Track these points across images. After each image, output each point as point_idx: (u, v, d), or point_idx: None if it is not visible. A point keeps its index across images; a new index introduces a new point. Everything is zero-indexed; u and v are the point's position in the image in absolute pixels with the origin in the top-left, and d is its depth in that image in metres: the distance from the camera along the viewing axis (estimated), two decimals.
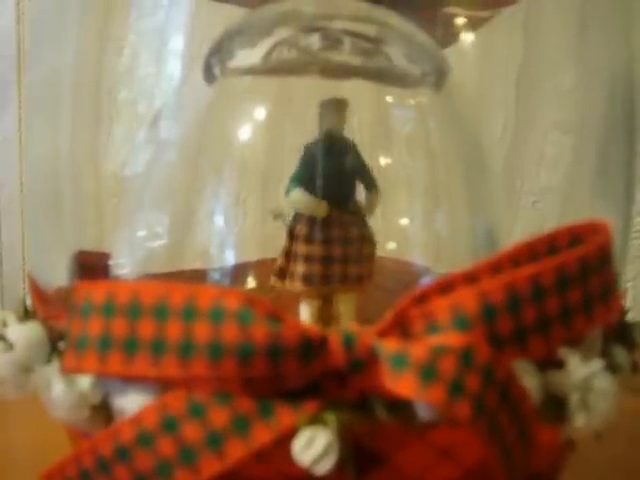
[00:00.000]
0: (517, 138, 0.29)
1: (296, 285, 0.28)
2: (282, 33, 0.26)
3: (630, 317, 0.23)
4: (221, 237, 0.31)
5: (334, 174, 0.28)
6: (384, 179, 0.29)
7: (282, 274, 0.29)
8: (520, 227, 0.30)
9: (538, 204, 0.30)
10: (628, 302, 0.25)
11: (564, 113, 0.29)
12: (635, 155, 0.27)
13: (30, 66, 0.44)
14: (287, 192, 0.28)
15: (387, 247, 0.31)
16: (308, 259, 0.28)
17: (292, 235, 0.28)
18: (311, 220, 0.28)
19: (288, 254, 0.28)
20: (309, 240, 0.28)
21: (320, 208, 0.28)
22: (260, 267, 0.33)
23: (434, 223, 0.30)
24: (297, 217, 0.28)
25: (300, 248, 0.28)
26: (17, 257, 0.56)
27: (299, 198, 0.27)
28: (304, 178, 0.27)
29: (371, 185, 0.29)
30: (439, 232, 0.30)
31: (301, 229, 0.28)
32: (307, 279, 0.28)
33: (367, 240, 0.28)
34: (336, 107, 0.27)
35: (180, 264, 0.32)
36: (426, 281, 0.30)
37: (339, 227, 0.28)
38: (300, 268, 0.28)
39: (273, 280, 0.29)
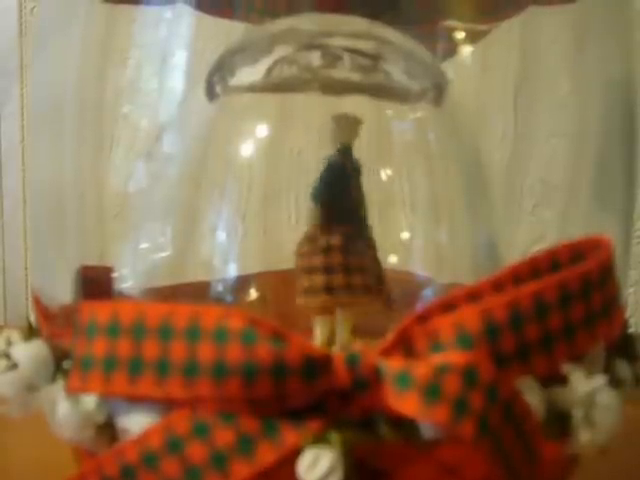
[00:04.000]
0: (517, 146, 0.30)
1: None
2: (282, 50, 0.26)
3: (632, 322, 0.23)
4: (223, 250, 0.31)
5: (334, 187, 0.28)
6: (385, 192, 0.29)
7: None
8: (521, 236, 0.30)
9: (538, 208, 0.30)
10: (630, 308, 0.25)
11: (563, 120, 0.29)
12: (635, 159, 0.27)
13: (32, 80, 0.44)
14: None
15: (389, 260, 0.31)
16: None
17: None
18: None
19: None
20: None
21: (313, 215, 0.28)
22: (261, 279, 0.33)
23: (435, 235, 0.31)
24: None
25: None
26: (20, 268, 0.56)
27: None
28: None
29: None
30: (440, 244, 0.31)
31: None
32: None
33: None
34: (348, 123, 0.27)
35: (183, 276, 0.32)
36: (428, 292, 0.30)
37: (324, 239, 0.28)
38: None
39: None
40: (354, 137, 0.27)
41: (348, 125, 0.27)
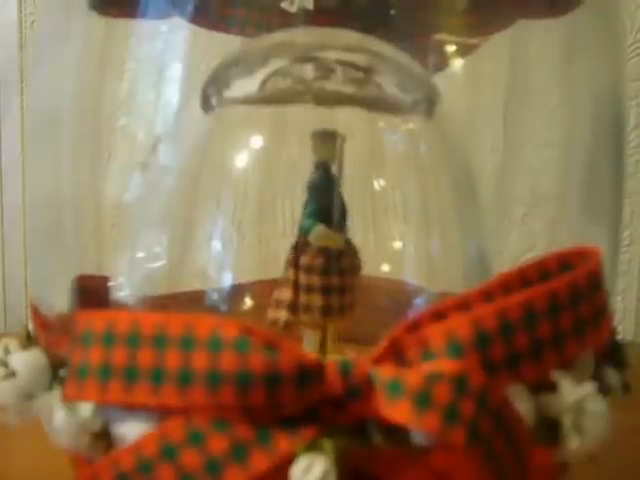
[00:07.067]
0: (506, 157, 0.30)
1: (315, 317, 0.28)
2: (277, 63, 0.27)
3: (620, 330, 0.23)
4: (218, 259, 0.32)
5: (339, 206, 0.28)
6: (377, 203, 0.29)
7: (294, 307, 0.28)
8: (511, 245, 0.30)
9: (528, 218, 0.31)
10: (618, 316, 0.25)
11: (552, 131, 0.30)
12: (622, 169, 0.27)
13: (31, 93, 0.44)
14: (307, 229, 0.28)
15: (381, 269, 0.31)
16: (325, 290, 0.28)
17: (299, 266, 0.28)
18: (325, 251, 0.28)
19: (296, 286, 0.28)
20: (326, 271, 0.28)
21: (340, 241, 0.28)
22: (257, 288, 0.34)
23: (426, 244, 0.31)
24: (300, 248, 0.28)
25: (315, 280, 0.28)
26: (20, 278, 0.56)
27: (323, 234, 0.28)
28: (319, 213, 0.28)
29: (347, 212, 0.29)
30: (431, 253, 0.31)
31: (314, 260, 0.28)
32: (326, 311, 0.28)
33: (359, 268, 0.29)
34: (325, 138, 0.27)
35: (178, 285, 0.32)
36: (420, 300, 0.30)
37: (348, 257, 0.28)
38: (318, 300, 0.28)
39: (284, 314, 0.28)
40: (334, 152, 0.28)
41: (326, 141, 0.27)
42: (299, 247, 0.28)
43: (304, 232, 0.28)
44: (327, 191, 0.28)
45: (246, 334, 0.17)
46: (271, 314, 0.29)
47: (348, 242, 0.29)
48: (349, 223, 0.29)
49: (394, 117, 0.29)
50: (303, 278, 0.28)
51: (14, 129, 0.55)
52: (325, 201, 0.28)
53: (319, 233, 0.28)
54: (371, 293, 0.30)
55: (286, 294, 0.28)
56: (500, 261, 0.28)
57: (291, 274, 0.28)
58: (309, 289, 0.28)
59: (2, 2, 0.54)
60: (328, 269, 0.28)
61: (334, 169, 0.28)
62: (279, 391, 0.17)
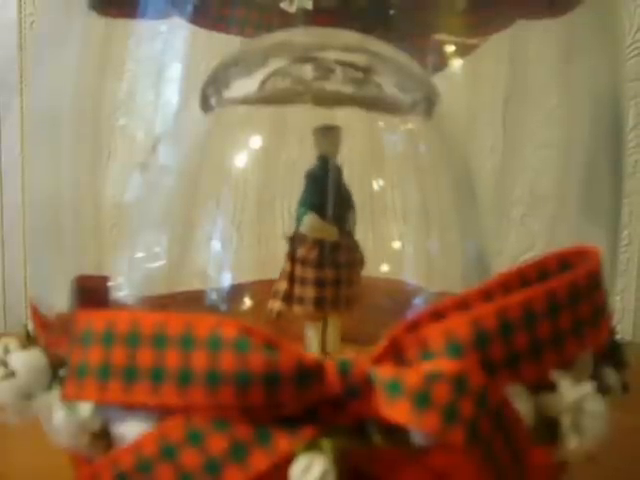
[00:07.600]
0: (506, 157, 0.30)
1: (309, 309, 0.28)
2: (276, 63, 0.27)
3: (618, 329, 0.23)
4: (218, 259, 0.32)
5: (337, 198, 0.28)
6: (377, 203, 0.29)
7: (289, 298, 0.29)
8: (510, 245, 0.30)
9: (527, 218, 0.31)
10: (616, 316, 0.25)
11: (551, 132, 0.30)
12: (621, 169, 0.27)
13: (31, 93, 0.45)
14: (299, 218, 0.28)
15: (380, 269, 0.31)
16: (318, 283, 0.28)
17: (295, 259, 0.28)
18: (320, 244, 0.28)
19: (292, 278, 0.28)
20: (320, 264, 0.28)
21: (333, 233, 0.28)
22: (256, 288, 0.34)
23: (426, 244, 0.31)
24: (297, 240, 0.28)
25: (309, 272, 0.28)
26: (20, 278, 0.57)
27: (315, 224, 0.28)
28: (314, 204, 0.28)
29: (352, 206, 0.29)
30: (431, 253, 0.31)
31: (309, 253, 0.28)
32: (319, 303, 0.28)
33: (360, 262, 0.29)
34: (328, 133, 0.27)
35: (178, 285, 0.32)
36: (419, 300, 0.30)
37: (345, 250, 0.28)
38: (311, 293, 0.28)
39: (278, 305, 0.29)
40: (335, 147, 0.28)
41: (327, 135, 0.28)
42: (295, 239, 0.28)
43: (297, 222, 0.28)
44: (323, 183, 0.28)
45: (246, 334, 0.18)
46: (269, 304, 0.29)
47: (348, 235, 0.29)
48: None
49: (393, 117, 0.29)
50: (298, 270, 0.28)
51: (14, 129, 0.55)
52: (320, 193, 0.28)
53: (310, 224, 0.28)
54: (370, 293, 0.30)
55: (282, 285, 0.29)
56: (499, 261, 0.28)
57: (287, 266, 0.29)
58: (303, 281, 0.28)
59: (2, 2, 0.54)
60: (322, 262, 0.28)
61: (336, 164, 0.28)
62: (278, 391, 0.17)
